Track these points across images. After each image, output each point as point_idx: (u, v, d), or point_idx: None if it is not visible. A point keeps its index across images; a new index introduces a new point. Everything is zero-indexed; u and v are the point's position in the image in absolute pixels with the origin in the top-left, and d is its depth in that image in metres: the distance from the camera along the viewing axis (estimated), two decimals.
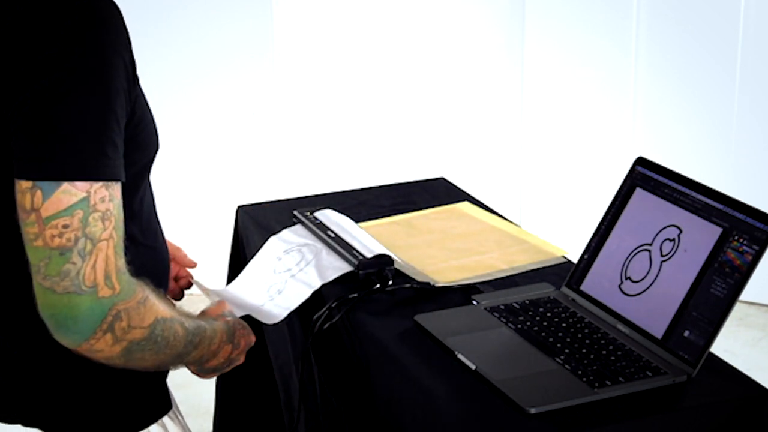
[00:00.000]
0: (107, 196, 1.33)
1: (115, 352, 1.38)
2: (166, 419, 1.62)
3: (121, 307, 1.35)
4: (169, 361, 1.48)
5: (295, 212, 2.12)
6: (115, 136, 1.35)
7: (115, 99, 1.35)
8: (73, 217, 1.30)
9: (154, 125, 1.51)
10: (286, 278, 1.86)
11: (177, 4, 3.85)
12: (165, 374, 1.64)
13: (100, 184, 1.32)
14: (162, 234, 1.63)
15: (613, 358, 1.60)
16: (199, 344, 1.52)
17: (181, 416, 1.69)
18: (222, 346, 1.59)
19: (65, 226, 1.30)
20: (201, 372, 1.62)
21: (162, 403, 1.63)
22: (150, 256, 1.57)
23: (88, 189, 1.31)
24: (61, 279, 1.31)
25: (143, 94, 1.48)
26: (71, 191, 1.30)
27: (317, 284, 1.84)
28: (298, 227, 2.08)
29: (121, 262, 1.35)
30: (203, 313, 1.64)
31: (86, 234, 1.31)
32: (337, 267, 1.90)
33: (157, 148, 1.52)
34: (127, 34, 1.40)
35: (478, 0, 4.08)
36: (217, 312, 1.65)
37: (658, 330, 1.63)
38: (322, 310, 1.79)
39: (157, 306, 1.42)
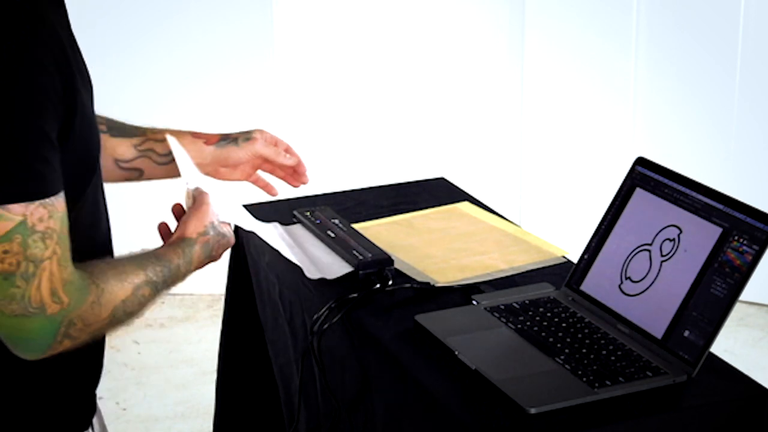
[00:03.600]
0: (45, 214, 1.31)
1: (83, 340, 1.38)
2: None
3: (73, 315, 1.35)
4: (149, 306, 1.49)
5: (295, 212, 2.12)
6: (46, 151, 1.31)
7: (42, 116, 1.31)
8: (12, 242, 1.29)
9: (96, 135, 1.47)
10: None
11: (177, 3, 3.85)
12: (94, 385, 1.61)
13: (37, 203, 1.30)
14: (104, 239, 1.59)
15: (613, 358, 1.60)
16: (173, 283, 1.52)
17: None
18: (200, 264, 1.59)
19: (5, 252, 1.29)
20: None
21: (82, 418, 1.60)
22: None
23: (23, 212, 1.29)
24: (8, 303, 1.30)
25: (88, 103, 1.44)
26: (7, 216, 1.28)
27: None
28: (298, 227, 2.08)
29: (68, 271, 1.34)
30: (184, 227, 1.60)
31: (27, 257, 1.30)
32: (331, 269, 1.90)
33: (98, 151, 1.48)
34: (56, 42, 1.34)
35: (478, 0, 4.08)
36: (198, 227, 1.60)
37: (658, 330, 1.63)
38: (322, 310, 1.79)
39: (115, 294, 1.40)
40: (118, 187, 1.86)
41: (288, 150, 1.95)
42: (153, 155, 1.84)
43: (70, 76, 1.36)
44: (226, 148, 1.87)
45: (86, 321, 1.36)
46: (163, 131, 1.85)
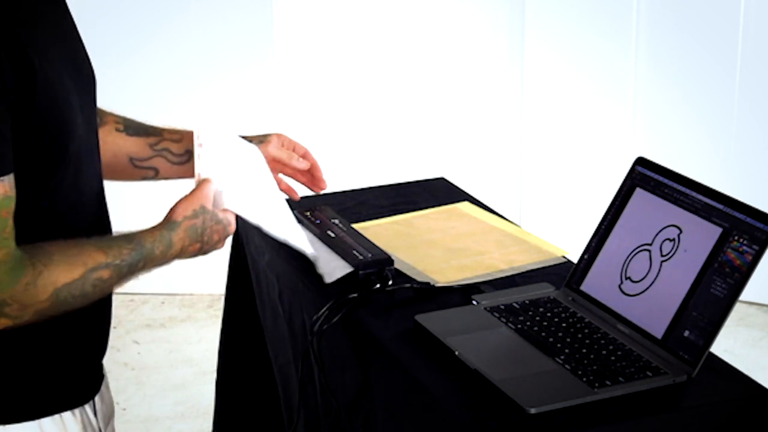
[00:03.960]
0: None
1: (26, 320, 1.39)
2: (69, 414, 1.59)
3: (5, 296, 1.36)
4: (115, 288, 1.48)
5: (295, 212, 2.12)
6: None
7: None
8: None
9: (69, 115, 1.48)
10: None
11: (177, 3, 3.85)
12: (99, 357, 1.62)
13: None
14: (96, 228, 1.59)
15: (613, 358, 1.60)
16: (145, 266, 1.51)
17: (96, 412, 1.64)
18: (186, 249, 1.57)
19: None
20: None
21: (85, 390, 1.61)
22: None
23: None
24: None
25: (70, 93, 1.46)
26: None
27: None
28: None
29: (2, 252, 1.36)
30: (172, 211, 1.60)
31: None
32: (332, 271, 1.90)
33: (70, 140, 1.49)
34: (10, 35, 1.37)
35: (478, 0, 4.08)
36: (185, 212, 1.59)
37: (658, 330, 1.63)
38: (322, 310, 1.79)
39: (56, 276, 1.41)
40: (122, 186, 1.87)
41: (305, 155, 1.97)
42: (168, 155, 1.87)
43: (27, 67, 1.38)
44: None
45: (22, 302, 1.37)
46: (181, 132, 1.88)
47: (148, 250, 1.52)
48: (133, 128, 1.86)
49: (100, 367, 1.66)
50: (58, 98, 1.44)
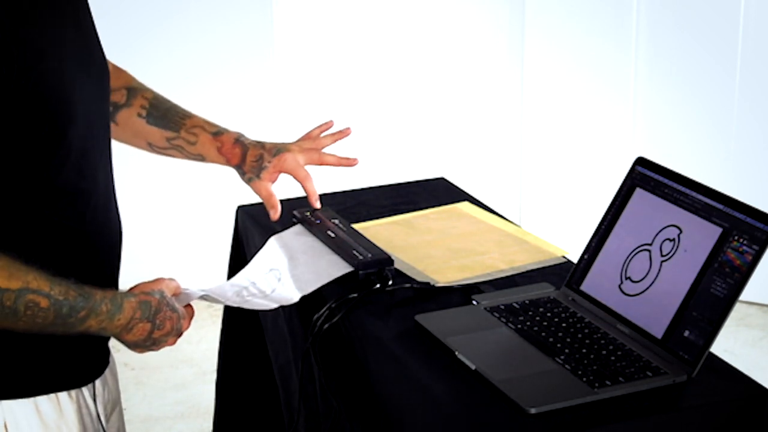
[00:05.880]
0: None
1: None
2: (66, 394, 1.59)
3: None
4: (50, 328, 1.46)
5: (295, 212, 2.12)
6: None
7: None
8: None
9: (66, 98, 1.48)
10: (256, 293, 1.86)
11: (177, 3, 3.86)
12: (100, 339, 1.62)
13: None
14: (102, 217, 1.60)
15: (613, 358, 1.60)
16: (88, 316, 1.48)
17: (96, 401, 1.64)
18: (134, 323, 1.54)
19: None
20: (125, 345, 1.58)
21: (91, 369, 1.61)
22: (70, 239, 1.54)
23: None
24: None
25: (52, 70, 1.47)
26: None
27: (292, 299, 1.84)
28: (298, 227, 2.08)
29: None
30: (133, 287, 1.60)
31: None
32: (310, 280, 1.89)
33: (67, 122, 1.49)
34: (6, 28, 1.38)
35: (478, 0, 4.08)
36: (143, 289, 1.59)
37: (658, 330, 1.63)
38: (322, 310, 1.79)
39: None
40: (128, 176, 1.88)
41: (304, 179, 2.06)
42: (183, 151, 1.98)
43: (21, 59, 1.40)
44: (239, 175, 2.04)
45: None
46: (198, 134, 1.97)
47: (95, 302, 1.49)
48: (154, 117, 1.95)
49: (106, 353, 1.66)
50: (54, 83, 1.46)
